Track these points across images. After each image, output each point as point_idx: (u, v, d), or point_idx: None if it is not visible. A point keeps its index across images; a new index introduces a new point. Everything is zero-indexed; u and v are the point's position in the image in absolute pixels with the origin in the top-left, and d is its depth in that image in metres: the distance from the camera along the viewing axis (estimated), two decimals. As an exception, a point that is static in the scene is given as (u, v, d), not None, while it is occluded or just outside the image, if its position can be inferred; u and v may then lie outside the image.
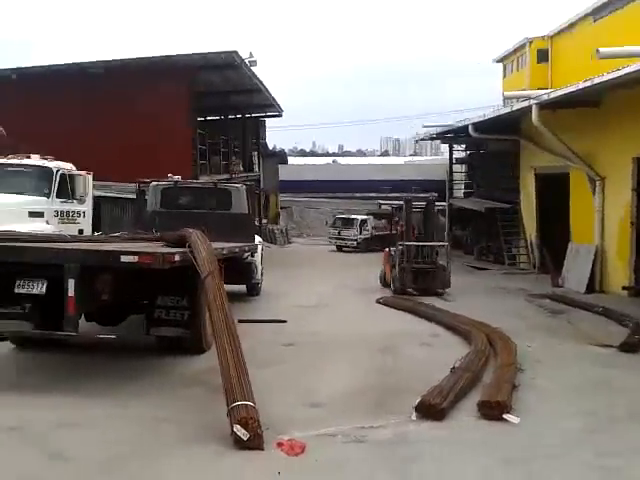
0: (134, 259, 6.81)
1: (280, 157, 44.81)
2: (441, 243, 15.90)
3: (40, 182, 13.37)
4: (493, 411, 6.05)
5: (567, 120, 16.42)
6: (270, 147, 42.32)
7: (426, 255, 15.55)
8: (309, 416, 6.17)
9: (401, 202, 16.56)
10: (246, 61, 22.72)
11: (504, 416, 6.00)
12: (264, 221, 33.58)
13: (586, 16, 35.17)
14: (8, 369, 7.72)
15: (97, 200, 16.00)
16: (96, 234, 13.62)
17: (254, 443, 5.20)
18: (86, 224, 14.27)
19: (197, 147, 22.29)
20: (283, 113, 33.67)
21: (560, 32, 39.45)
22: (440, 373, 7.07)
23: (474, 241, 26.70)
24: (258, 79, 24.89)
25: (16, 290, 7.15)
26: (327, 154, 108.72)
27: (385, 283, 16.21)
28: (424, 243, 15.68)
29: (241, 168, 29.22)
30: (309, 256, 28.45)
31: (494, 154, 25.39)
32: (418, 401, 6.14)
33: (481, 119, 20.86)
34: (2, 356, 8.15)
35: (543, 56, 40.96)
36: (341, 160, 79.76)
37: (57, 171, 13.50)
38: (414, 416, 6.04)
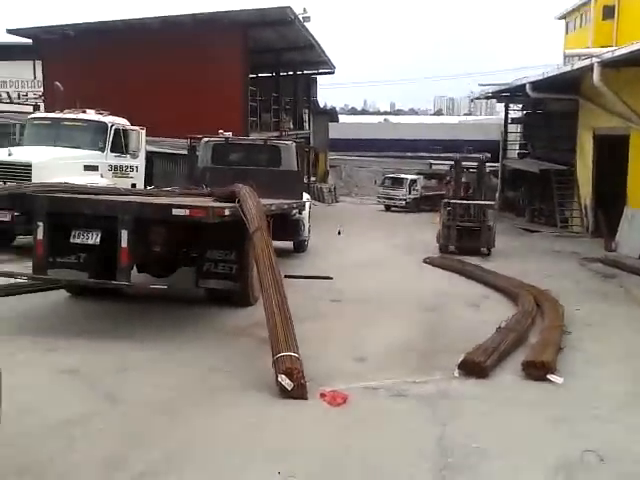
0: (185, 212, 6.97)
1: (331, 115, 44.46)
2: (488, 202, 15.67)
3: (95, 136, 13.68)
4: (537, 371, 6.04)
5: (631, 80, 15.76)
6: (321, 105, 42.07)
7: (473, 214, 15.49)
8: (353, 370, 6.27)
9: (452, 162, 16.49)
10: (299, 17, 22.49)
11: (548, 376, 5.99)
12: (312, 179, 33.58)
13: (657, -30, 33.44)
14: (64, 316, 8.04)
15: (150, 155, 16.29)
16: (149, 188, 13.90)
17: (298, 393, 5.34)
18: (139, 178, 14.57)
19: (248, 104, 22.31)
20: (335, 70, 33.34)
21: (629, -14, 37.62)
22: (486, 333, 7.06)
23: (527, 203, 26.17)
24: (311, 35, 24.62)
25: (72, 240, 7.41)
26: (379, 113, 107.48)
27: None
28: (470, 202, 15.64)
29: (291, 126, 29.18)
30: (356, 215, 28.39)
31: (551, 114, 24.66)
32: (461, 359, 6.17)
33: (540, 78, 20.22)
34: (58, 304, 8.49)
35: (609, 12, 39.14)
36: (393, 119, 78.71)
37: (111, 126, 13.76)
38: (457, 373, 6.08)
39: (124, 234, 6.97)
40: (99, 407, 5.15)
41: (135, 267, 8.09)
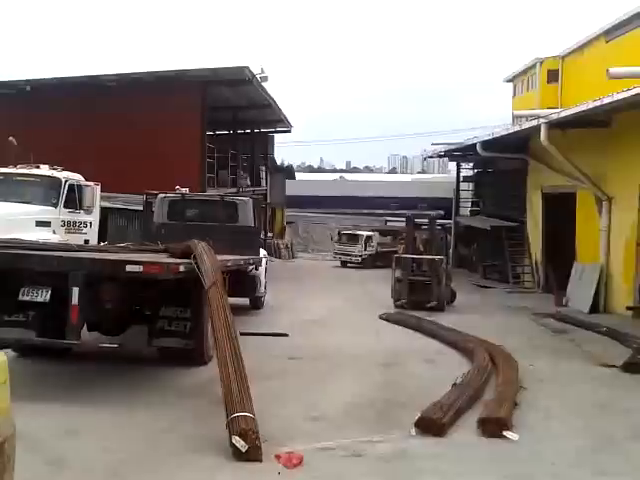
0: (139, 269, 6.86)
1: (288, 172, 44.92)
2: (438, 257, 15.95)
3: (48, 192, 13.50)
4: (493, 428, 6.03)
5: (576, 140, 16.44)
6: (278, 162, 42.48)
7: (424, 269, 15.88)
8: (309, 429, 6.17)
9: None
10: (257, 76, 22.90)
11: (504, 433, 5.98)
12: (269, 235, 33.64)
13: (598, 36, 35.29)
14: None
15: (104, 211, 16.11)
16: (102, 244, 13.70)
17: (252, 455, 5.20)
18: (92, 234, 14.36)
19: (205, 160, 22.41)
20: (292, 129, 33.88)
21: (571, 52, 39.55)
22: (442, 389, 7.06)
23: (480, 259, 26.66)
24: (268, 95, 25.05)
25: (20, 298, 7.21)
26: (335, 170, 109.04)
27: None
28: (419, 256, 16.11)
29: (248, 182, 29.33)
30: (313, 271, 28.45)
31: (501, 173, 25.44)
32: (418, 416, 6.13)
33: (489, 137, 20.92)
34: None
35: (554, 76, 41.02)
36: (348, 176, 79.90)
37: (65, 181, 13.62)
38: (414, 431, 6.03)
39: (75, 291, 6.81)
40: (43, 474, 4.92)
41: (85, 325, 7.88)
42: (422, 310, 14.69)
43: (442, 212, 23.46)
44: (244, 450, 5.18)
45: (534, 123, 17.03)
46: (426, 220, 16.97)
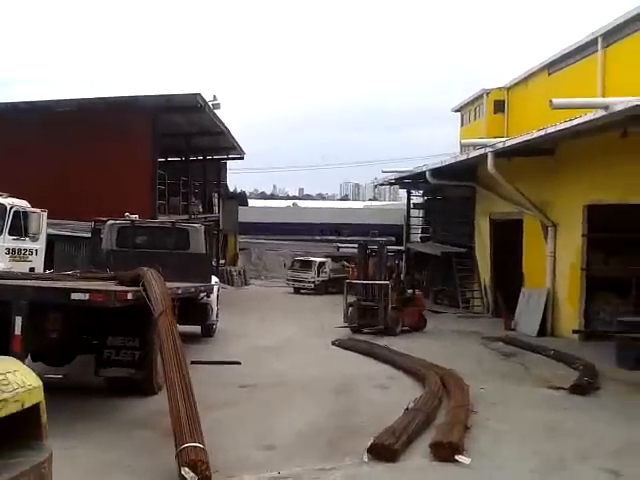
0: (85, 297, 6.71)
1: (240, 199, 44.93)
2: (383, 282, 16.10)
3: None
4: (445, 452, 6.05)
5: (522, 168, 16.89)
6: (231, 189, 42.41)
7: (374, 294, 16.05)
8: (261, 458, 6.07)
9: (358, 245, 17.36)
10: (210, 104, 22.89)
11: (456, 457, 6.00)
12: (222, 262, 33.37)
13: (541, 69, 36.55)
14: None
15: (51, 238, 15.73)
16: (48, 272, 13.34)
17: (202, 486, 5.08)
18: (38, 262, 13.99)
19: (156, 187, 22.18)
20: (245, 156, 33.88)
21: (516, 84, 40.85)
22: (394, 415, 7.05)
23: (430, 284, 26.97)
24: (221, 122, 25.04)
25: None
26: (288, 197, 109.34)
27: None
28: (367, 282, 16.38)
29: (200, 209, 29.14)
30: (266, 298, 28.29)
31: (450, 200, 25.90)
32: (371, 442, 6.11)
33: (438, 165, 21.33)
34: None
35: (500, 106, 42.26)
36: (301, 203, 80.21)
37: (10, 208, 13.26)
38: (367, 457, 5.99)
39: (18, 320, 6.60)
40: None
41: (29, 355, 7.63)
42: (374, 334, 14.93)
43: (393, 238, 23.70)
44: (194, 481, 5.06)
45: (481, 152, 17.45)
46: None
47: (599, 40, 28.40)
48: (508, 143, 16.13)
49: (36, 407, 2.98)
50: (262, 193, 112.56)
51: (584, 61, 31.75)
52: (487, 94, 43.07)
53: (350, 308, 16.26)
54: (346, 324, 16.11)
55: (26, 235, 13.53)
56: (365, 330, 15.74)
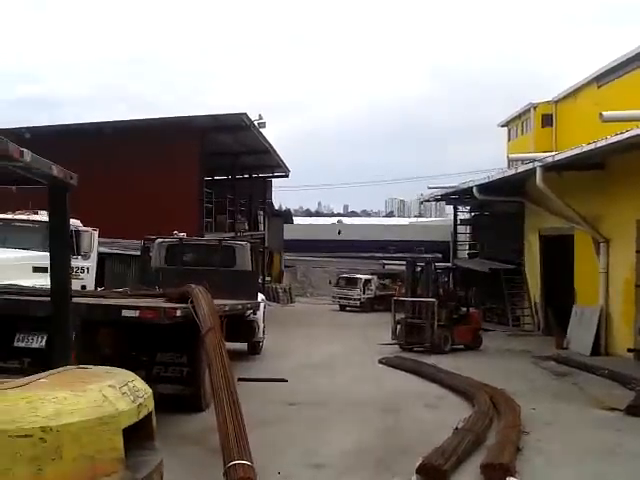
0: (135, 314, 6.83)
1: (285, 216, 45.13)
2: (430, 299, 15.97)
3: (46, 238, 13.44)
4: (497, 473, 5.89)
5: (572, 183, 16.57)
6: (276, 206, 42.72)
7: (419, 311, 16.05)
8: (309, 477, 6.04)
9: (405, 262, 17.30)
10: (255, 123, 23.22)
11: (508, 479, 5.85)
12: (267, 279, 33.58)
13: (590, 82, 35.97)
14: None
15: (102, 256, 16.09)
16: (99, 289, 13.63)
17: (251, 504, 5.07)
18: (90, 280, 14.30)
19: (203, 205, 22.54)
20: (290, 173, 34.16)
21: (564, 97, 40.28)
22: (443, 434, 6.94)
23: (478, 302, 26.53)
24: (266, 140, 25.37)
25: (15, 344, 7.14)
26: (332, 214, 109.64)
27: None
28: (414, 299, 16.37)
29: (246, 227, 29.46)
30: (311, 315, 28.29)
31: (498, 216, 25.53)
32: (419, 462, 6.00)
33: (486, 181, 21.07)
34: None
35: (548, 120, 41.70)
36: (346, 220, 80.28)
37: (63, 227, 13.61)
38: (415, 478, 5.89)
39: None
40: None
41: (81, 372, 7.78)
42: (421, 352, 14.81)
43: (440, 255, 23.44)
44: (242, 499, 5.06)
45: (530, 166, 17.18)
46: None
47: (649, 51, 27.83)
48: (557, 157, 15.85)
49: (151, 412, 3.45)
50: (307, 210, 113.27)
51: (634, 73, 31.13)
52: (534, 108, 42.59)
53: (398, 325, 16.19)
54: (394, 341, 16.05)
55: (78, 253, 13.85)
56: (413, 348, 15.60)
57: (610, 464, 6.74)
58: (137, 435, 3.21)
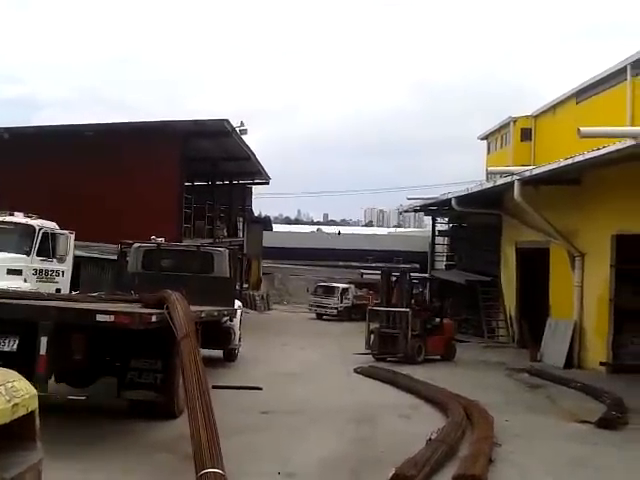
0: (110, 318, 6.76)
1: (265, 224, 45.08)
2: (403, 309, 15.85)
3: (21, 240, 13.34)
4: (468, 485, 5.92)
5: (549, 197, 16.76)
6: (255, 213, 42.66)
7: (395, 321, 15.90)
8: (281, 486, 6.00)
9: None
10: (237, 129, 23.18)
11: (479, 491, 5.87)
12: (245, 286, 33.46)
13: (569, 97, 36.42)
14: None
15: (78, 260, 15.93)
16: (73, 293, 13.49)
17: (222, 512, 5.04)
18: (64, 283, 14.16)
19: (182, 211, 22.42)
20: (270, 181, 34.14)
21: (543, 112, 40.73)
22: (417, 445, 6.94)
23: (454, 313, 26.68)
24: (247, 147, 25.33)
25: None
26: (312, 222, 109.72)
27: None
28: (388, 309, 16.26)
29: (225, 233, 29.33)
30: (288, 323, 28.25)
31: (476, 228, 25.74)
32: (392, 473, 6.00)
33: (464, 193, 21.24)
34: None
35: (526, 135, 42.11)
36: (325, 229, 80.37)
37: (39, 229, 13.48)
38: (388, 488, 5.89)
39: (43, 341, 6.66)
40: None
41: (53, 376, 7.68)
42: (396, 362, 14.79)
43: (417, 265, 23.49)
44: (213, 508, 5.02)
45: (508, 180, 17.36)
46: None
47: (628, 68, 28.28)
48: (535, 171, 16.03)
49: (33, 412, 3.40)
50: (286, 218, 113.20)
51: (613, 90, 31.59)
52: (514, 122, 43.01)
53: (372, 335, 16.09)
54: (368, 351, 15.97)
55: (53, 256, 13.73)
56: (387, 358, 15.57)
57: (582, 476, 6.81)
58: (14, 435, 3.26)
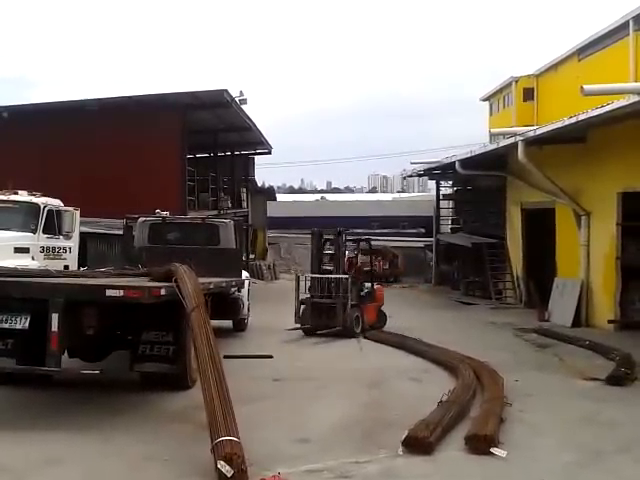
0: (119, 293, 6.80)
1: (269, 194, 44.93)
2: (343, 276, 13.98)
3: (27, 218, 13.36)
4: (481, 445, 6.01)
5: (553, 156, 16.64)
6: (259, 184, 42.50)
7: (331, 289, 13.94)
8: (295, 452, 6.09)
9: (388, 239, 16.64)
10: (236, 99, 22.98)
11: (491, 450, 5.95)
12: (251, 257, 33.54)
13: (571, 55, 35.97)
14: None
15: (84, 236, 15.97)
16: (82, 269, 13.55)
17: (238, 479, 5.12)
18: (72, 260, 14.22)
19: (186, 183, 22.38)
20: (272, 150, 33.95)
21: (546, 71, 40.27)
22: (428, 407, 7.03)
23: (461, 276, 26.75)
24: (248, 117, 25.14)
25: None
26: (315, 191, 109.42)
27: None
28: (326, 276, 14.19)
29: (229, 204, 29.29)
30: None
31: (481, 190, 25.62)
32: (405, 435, 6.09)
33: (468, 156, 21.09)
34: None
35: (529, 94, 41.73)
36: (329, 197, 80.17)
37: (44, 207, 13.49)
38: (401, 450, 5.98)
39: (55, 318, 6.72)
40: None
41: (66, 352, 7.76)
42: (329, 337, 13.43)
43: (423, 230, 23.33)
44: (229, 475, 5.10)
45: (511, 141, 17.21)
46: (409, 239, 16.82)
47: (630, 23, 27.88)
48: (539, 131, 15.88)
49: None
50: (290, 187, 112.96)
51: (615, 45, 31.18)
52: (516, 82, 42.60)
53: (302, 306, 13.99)
54: (299, 323, 13.94)
55: (60, 233, 13.76)
56: (319, 332, 13.75)
57: (591, 432, 6.89)
58: None
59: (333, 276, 14.13)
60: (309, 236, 15.52)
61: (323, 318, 13.77)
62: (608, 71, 27.71)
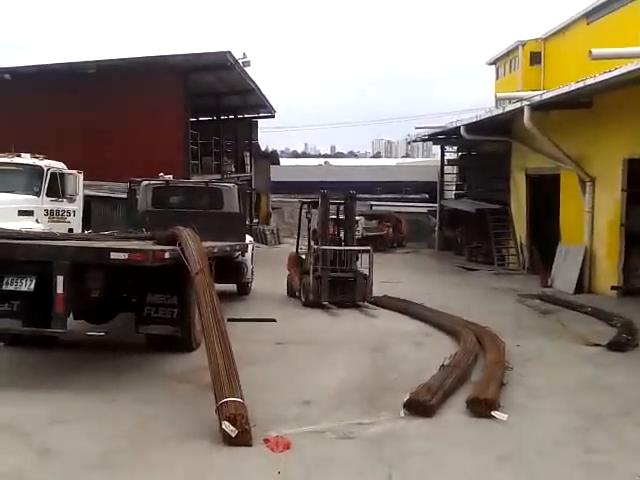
0: (124, 256, 6.82)
1: (272, 158, 44.73)
2: (364, 248, 13.38)
3: (30, 181, 13.35)
4: (482, 408, 6.07)
5: (559, 121, 16.48)
6: (262, 148, 42.28)
7: (345, 262, 13.02)
8: (298, 413, 6.17)
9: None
10: (240, 62, 22.72)
11: (492, 413, 6.02)
12: (255, 221, 33.54)
13: (580, 18, 35.38)
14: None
15: (88, 199, 15.97)
16: (86, 232, 13.58)
17: (242, 439, 5.20)
18: (76, 223, 14.25)
19: (189, 147, 22.26)
20: (276, 114, 33.67)
21: (553, 35, 39.66)
22: (430, 371, 7.10)
23: (465, 242, 26.78)
24: (251, 80, 24.87)
25: (4, 287, 7.15)
26: (319, 155, 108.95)
27: (292, 292, 13.92)
28: (342, 248, 13.22)
29: (233, 168, 29.18)
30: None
31: (485, 155, 25.48)
32: (407, 398, 6.16)
33: (473, 120, 20.91)
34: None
35: (536, 58, 41.18)
36: (333, 161, 79.79)
37: (47, 170, 13.47)
38: (403, 413, 6.06)
39: (60, 280, 6.75)
40: (32, 462, 4.90)
41: (72, 314, 7.83)
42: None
43: (427, 195, 23.21)
44: (234, 435, 5.18)
45: (517, 105, 17.04)
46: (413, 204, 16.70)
47: (642, -14, 27.31)
48: (545, 96, 15.70)
49: None
50: (294, 152, 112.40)
51: (625, 9, 30.64)
52: (523, 46, 42.01)
53: (309, 279, 12.65)
54: (305, 297, 12.83)
55: (63, 196, 13.76)
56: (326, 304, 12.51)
57: (591, 397, 6.96)
58: None
59: (352, 248, 13.23)
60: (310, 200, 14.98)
61: (338, 293, 12.72)
62: (617, 35, 27.26)
